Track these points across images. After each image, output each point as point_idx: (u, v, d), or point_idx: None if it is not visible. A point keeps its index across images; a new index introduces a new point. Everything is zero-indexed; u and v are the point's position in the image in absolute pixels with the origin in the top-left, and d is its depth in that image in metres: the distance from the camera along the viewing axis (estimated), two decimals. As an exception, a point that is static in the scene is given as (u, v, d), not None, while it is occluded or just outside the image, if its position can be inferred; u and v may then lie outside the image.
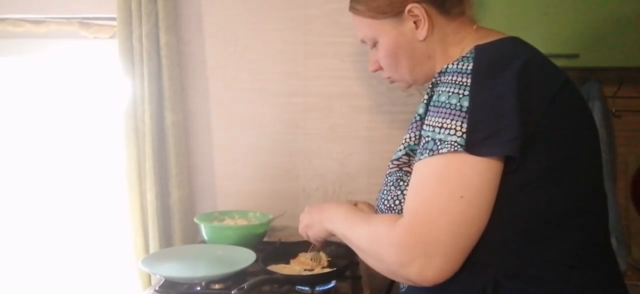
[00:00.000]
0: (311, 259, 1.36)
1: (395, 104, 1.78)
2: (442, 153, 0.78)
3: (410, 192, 0.83)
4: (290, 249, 1.44)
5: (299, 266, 1.36)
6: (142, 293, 1.67)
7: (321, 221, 1.08)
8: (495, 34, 0.90)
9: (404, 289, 0.97)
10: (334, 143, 1.80)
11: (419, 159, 0.82)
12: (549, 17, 1.47)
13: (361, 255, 0.91)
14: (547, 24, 1.47)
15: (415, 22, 0.95)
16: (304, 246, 1.43)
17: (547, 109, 0.79)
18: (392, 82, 1.09)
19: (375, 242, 0.85)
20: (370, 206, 1.36)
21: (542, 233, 0.81)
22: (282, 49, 1.78)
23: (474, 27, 0.96)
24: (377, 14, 0.99)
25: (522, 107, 0.76)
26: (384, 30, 0.99)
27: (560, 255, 0.81)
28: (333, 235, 1.08)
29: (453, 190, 0.77)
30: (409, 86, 1.07)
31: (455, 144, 0.76)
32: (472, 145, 0.76)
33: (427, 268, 0.77)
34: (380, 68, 1.08)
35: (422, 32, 0.95)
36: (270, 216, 1.63)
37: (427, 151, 0.80)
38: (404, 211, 0.83)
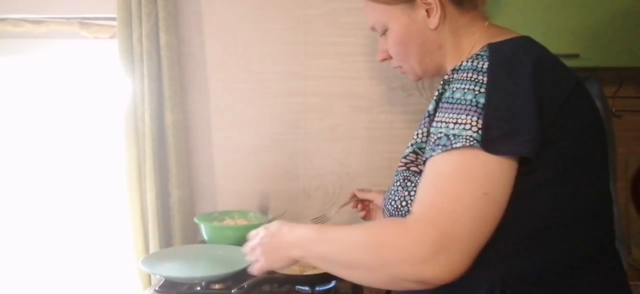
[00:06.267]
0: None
1: (395, 104, 1.78)
2: (456, 148, 0.76)
3: (426, 188, 0.80)
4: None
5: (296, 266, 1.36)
6: (142, 293, 1.67)
7: (278, 250, 0.97)
8: (508, 33, 0.90)
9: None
10: (334, 143, 1.80)
11: (431, 156, 0.80)
12: (549, 17, 1.47)
13: (346, 270, 0.86)
14: (547, 24, 1.47)
15: (427, 10, 0.94)
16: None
17: (560, 110, 0.78)
18: (402, 72, 1.06)
19: (378, 245, 0.80)
20: (380, 192, 1.37)
21: (551, 234, 0.80)
22: (282, 49, 1.78)
23: (486, 23, 0.95)
24: (390, 0, 0.97)
25: (539, 109, 0.76)
26: (396, 17, 0.97)
27: (568, 257, 0.81)
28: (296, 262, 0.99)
29: (478, 186, 0.75)
30: (418, 78, 1.04)
31: (471, 138, 0.75)
32: (489, 142, 0.75)
33: (446, 265, 0.75)
34: (389, 57, 1.05)
35: (434, 20, 0.93)
36: (271, 216, 1.63)
37: (440, 147, 0.78)
38: (418, 206, 0.79)
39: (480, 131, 0.75)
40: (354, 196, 1.44)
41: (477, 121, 0.76)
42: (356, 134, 1.79)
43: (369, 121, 1.79)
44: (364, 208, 1.42)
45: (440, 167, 0.79)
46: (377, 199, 1.38)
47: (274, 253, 0.98)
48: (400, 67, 1.05)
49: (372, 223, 0.87)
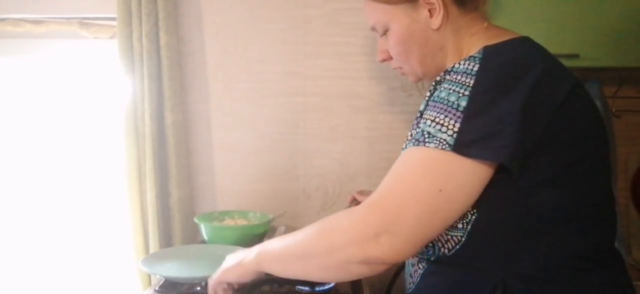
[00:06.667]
0: None
1: (395, 104, 1.78)
2: (428, 147, 0.77)
3: (388, 174, 0.82)
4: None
5: None
6: (142, 293, 1.67)
7: (235, 264, 0.99)
8: (507, 34, 0.89)
9: (410, 290, 0.96)
10: (334, 143, 1.80)
11: (405, 148, 0.82)
12: (549, 17, 1.47)
13: (299, 262, 0.87)
14: (547, 24, 1.47)
15: (430, 11, 0.93)
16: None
17: (553, 116, 0.78)
18: (402, 73, 1.06)
19: (328, 229, 0.83)
20: None
21: (552, 235, 0.80)
22: (282, 49, 1.78)
23: (485, 24, 0.95)
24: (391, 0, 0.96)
25: (526, 115, 0.75)
26: (397, 17, 0.96)
27: (569, 258, 0.81)
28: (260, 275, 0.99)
29: (435, 182, 0.76)
30: (418, 79, 1.04)
31: (444, 142, 0.76)
32: (461, 145, 0.75)
33: (388, 247, 0.77)
34: (389, 58, 1.04)
35: (437, 20, 0.93)
36: (270, 216, 1.63)
37: (413, 140, 0.80)
38: (375, 191, 0.82)
39: (454, 135, 0.76)
40: (354, 199, 1.44)
41: (454, 124, 0.76)
42: (356, 134, 1.79)
43: (369, 121, 1.79)
44: None
45: (406, 157, 0.81)
46: None
47: (231, 266, 1.00)
48: (400, 68, 1.05)
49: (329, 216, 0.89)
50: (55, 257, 1.90)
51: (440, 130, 0.77)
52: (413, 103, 1.77)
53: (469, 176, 0.77)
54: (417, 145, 0.79)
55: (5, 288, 1.91)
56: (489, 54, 0.82)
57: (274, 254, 0.92)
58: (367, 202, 0.81)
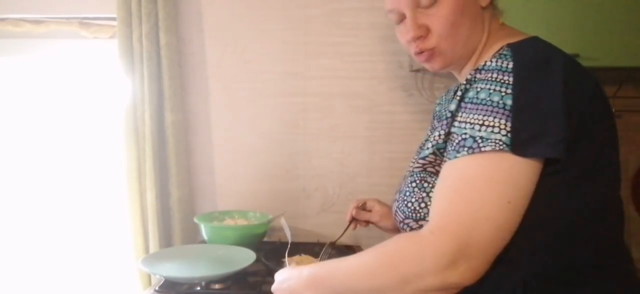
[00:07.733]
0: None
1: (396, 104, 1.78)
2: (485, 152, 0.75)
3: (446, 192, 0.79)
4: (290, 249, 1.44)
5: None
6: (142, 293, 1.67)
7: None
8: (520, 33, 0.89)
9: None
10: (334, 143, 1.80)
11: (455, 157, 0.78)
12: (549, 17, 1.47)
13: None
14: (547, 24, 1.47)
15: None
16: (303, 246, 1.43)
17: (584, 111, 0.78)
18: (428, 57, 0.96)
19: (394, 259, 0.79)
20: (379, 202, 1.36)
21: (572, 234, 0.80)
22: (282, 49, 1.78)
23: (500, 22, 0.95)
24: None
25: (567, 109, 0.75)
26: None
27: (588, 256, 0.81)
28: None
29: (502, 194, 0.74)
30: (446, 64, 0.97)
31: (500, 142, 0.74)
32: (518, 145, 0.74)
33: (467, 270, 0.74)
34: (426, 34, 0.94)
35: None
36: (270, 216, 1.63)
37: (466, 149, 0.77)
38: (436, 213, 0.78)
39: (509, 134, 0.74)
40: (353, 219, 1.39)
41: (505, 124, 0.75)
42: (356, 134, 1.79)
43: (369, 120, 1.79)
44: (366, 223, 1.38)
45: (463, 170, 0.77)
46: (376, 208, 1.35)
47: None
48: (429, 50, 0.95)
49: (383, 243, 0.85)
50: (55, 257, 1.90)
51: (492, 131, 0.75)
52: (413, 103, 1.77)
53: (529, 177, 0.75)
54: (472, 153, 0.76)
55: (5, 288, 1.91)
56: (517, 50, 0.82)
57: (334, 288, 0.86)
58: (433, 226, 0.77)
